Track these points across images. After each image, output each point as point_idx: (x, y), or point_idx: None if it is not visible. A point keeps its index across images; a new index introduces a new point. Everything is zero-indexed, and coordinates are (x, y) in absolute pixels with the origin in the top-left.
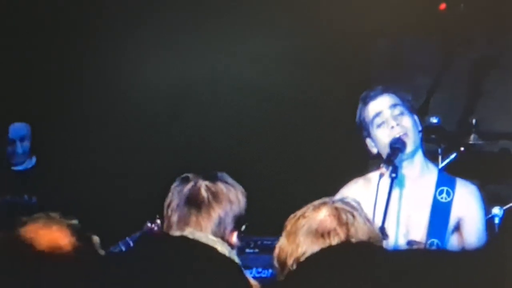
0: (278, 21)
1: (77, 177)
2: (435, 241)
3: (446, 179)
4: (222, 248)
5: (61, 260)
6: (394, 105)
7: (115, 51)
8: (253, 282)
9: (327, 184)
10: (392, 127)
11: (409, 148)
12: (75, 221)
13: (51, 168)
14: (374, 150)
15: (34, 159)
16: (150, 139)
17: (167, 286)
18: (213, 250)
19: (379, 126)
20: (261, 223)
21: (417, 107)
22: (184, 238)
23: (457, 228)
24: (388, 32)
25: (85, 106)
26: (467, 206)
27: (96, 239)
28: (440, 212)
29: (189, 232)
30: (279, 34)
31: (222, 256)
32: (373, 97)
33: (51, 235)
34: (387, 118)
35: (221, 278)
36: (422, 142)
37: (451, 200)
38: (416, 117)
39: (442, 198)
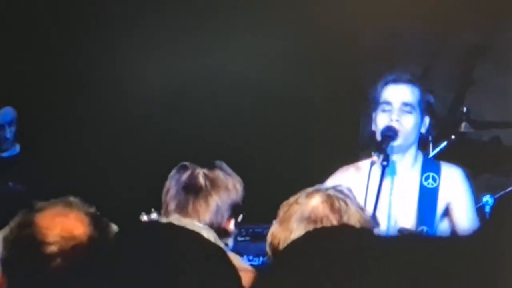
0: (278, 20)
1: (64, 165)
2: (425, 228)
3: (431, 164)
4: (208, 234)
5: (73, 252)
6: (406, 104)
7: (112, 45)
8: (246, 267)
9: (318, 173)
10: (392, 120)
11: (398, 142)
12: (94, 209)
13: (37, 156)
14: (373, 128)
15: (18, 147)
16: (144, 129)
17: (151, 273)
18: (198, 236)
19: (383, 111)
20: (253, 211)
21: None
22: (169, 225)
23: (447, 213)
24: (384, 24)
25: (75, 94)
26: (454, 189)
27: (113, 228)
28: (427, 199)
29: (175, 218)
30: (279, 33)
31: (208, 242)
32: (395, 81)
33: (67, 223)
34: (393, 110)
35: (206, 264)
36: (419, 141)
37: (438, 185)
38: (427, 119)
39: (428, 184)
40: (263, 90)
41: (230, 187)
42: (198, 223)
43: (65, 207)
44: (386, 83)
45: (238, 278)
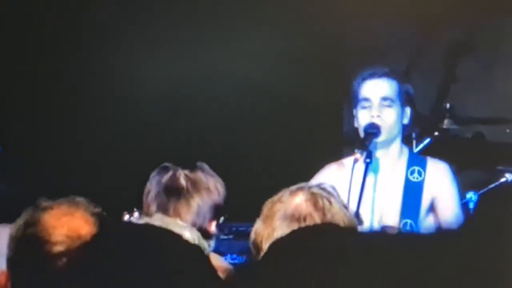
0: (278, 20)
1: (48, 165)
2: (409, 221)
3: (417, 158)
4: (191, 234)
5: (78, 252)
6: (385, 98)
7: (111, 44)
8: (226, 266)
9: (303, 171)
10: (373, 116)
11: (382, 137)
12: (99, 210)
13: (19, 156)
14: (356, 125)
15: None
16: (143, 129)
17: (130, 275)
18: (178, 237)
19: (363, 108)
20: (236, 210)
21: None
22: (148, 226)
23: (432, 208)
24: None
25: (67, 92)
26: (439, 184)
27: None
28: (412, 192)
29: (158, 218)
30: (279, 33)
31: (188, 243)
32: (371, 76)
33: (73, 222)
34: (372, 106)
35: (187, 265)
36: (403, 133)
37: (423, 179)
38: (408, 110)
39: (413, 178)
40: (259, 90)
41: (212, 188)
42: (181, 222)
43: (71, 207)
44: (363, 79)
45: (218, 278)
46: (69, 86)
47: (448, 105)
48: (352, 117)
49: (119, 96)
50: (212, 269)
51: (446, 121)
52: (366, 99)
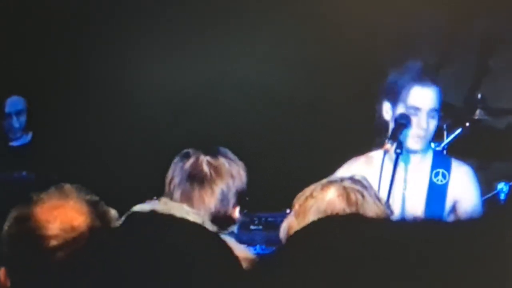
0: (283, 23)
1: (75, 153)
2: None
3: (441, 160)
4: (195, 219)
5: (74, 244)
6: (433, 110)
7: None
8: (249, 255)
9: (330, 162)
10: (419, 127)
11: (420, 146)
12: (92, 196)
13: (48, 144)
14: (387, 116)
15: (30, 135)
16: (152, 126)
17: (147, 265)
18: (200, 226)
19: (412, 115)
20: (265, 200)
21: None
22: (153, 213)
23: (453, 209)
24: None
25: (84, 85)
26: (463, 187)
27: (113, 213)
28: (436, 195)
29: (163, 202)
30: (283, 36)
31: (210, 232)
32: (422, 83)
33: (65, 215)
34: (421, 117)
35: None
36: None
37: (447, 182)
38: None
39: (438, 180)
40: (272, 93)
41: (235, 174)
42: (186, 207)
43: (61, 198)
44: (413, 81)
45: (240, 266)
46: (92, 83)
47: (480, 96)
48: (385, 111)
49: (137, 98)
50: (234, 258)
51: (478, 112)
52: (416, 108)
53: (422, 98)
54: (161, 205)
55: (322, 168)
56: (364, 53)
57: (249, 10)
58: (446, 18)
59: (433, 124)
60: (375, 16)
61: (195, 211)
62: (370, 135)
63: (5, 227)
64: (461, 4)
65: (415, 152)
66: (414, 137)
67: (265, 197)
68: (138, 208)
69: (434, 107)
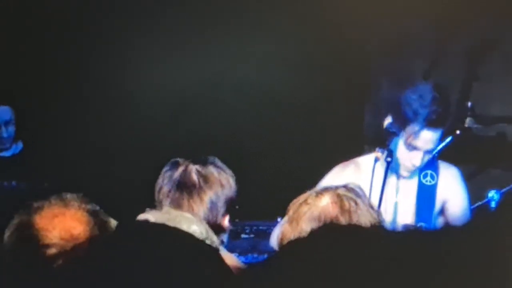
0: (283, 23)
1: (67, 162)
2: (423, 224)
3: (429, 162)
4: (198, 227)
5: (73, 252)
6: (431, 151)
7: (119, 48)
8: (239, 264)
9: (321, 171)
10: (411, 163)
11: (410, 175)
12: (93, 206)
13: (39, 153)
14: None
15: (20, 144)
16: (149, 130)
17: (144, 273)
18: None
19: (409, 146)
20: (257, 209)
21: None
22: (162, 226)
23: (442, 211)
24: (391, 21)
25: (78, 94)
26: (451, 188)
27: (112, 223)
28: (426, 196)
29: (166, 211)
30: (283, 37)
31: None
32: (434, 126)
33: (65, 224)
34: (417, 156)
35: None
36: None
37: (436, 183)
38: None
39: (427, 181)
40: (265, 92)
41: (224, 182)
42: (189, 215)
43: (62, 206)
44: (424, 123)
45: (231, 275)
46: (84, 89)
47: (470, 104)
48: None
49: (133, 100)
50: (222, 265)
51: (468, 120)
52: (416, 148)
53: (426, 141)
54: (165, 214)
55: (315, 176)
56: (364, 54)
57: (249, 10)
58: (435, 26)
59: (425, 159)
60: (370, 18)
61: (198, 219)
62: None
63: (6, 234)
64: (451, 12)
65: (404, 177)
66: (405, 170)
67: (256, 206)
68: (141, 217)
69: (431, 149)
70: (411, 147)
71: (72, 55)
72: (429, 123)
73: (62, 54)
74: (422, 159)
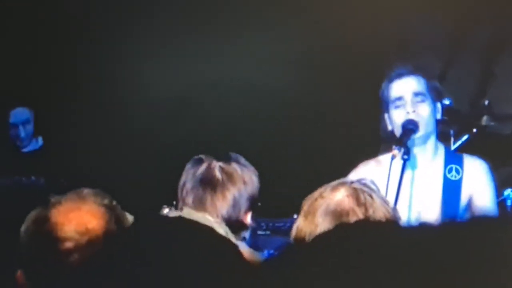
0: (285, 24)
1: (86, 158)
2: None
3: (454, 156)
4: (219, 229)
5: (89, 247)
6: (416, 94)
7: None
8: (259, 260)
9: (339, 168)
10: (408, 112)
11: (420, 132)
12: (109, 201)
13: (59, 148)
14: (390, 128)
15: (40, 140)
16: (161, 127)
17: (163, 267)
18: (211, 230)
19: (397, 107)
20: (273, 206)
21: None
22: (181, 219)
23: (469, 205)
24: (405, 17)
25: (93, 94)
26: (477, 181)
27: (129, 218)
28: (451, 191)
29: (187, 213)
30: (285, 37)
31: (220, 236)
32: (399, 76)
33: (81, 218)
34: (406, 103)
35: (219, 258)
36: (437, 129)
37: (461, 177)
38: (439, 105)
39: (451, 176)
40: (274, 94)
41: (247, 179)
42: (210, 217)
43: (78, 201)
44: (390, 81)
45: (250, 271)
46: (105, 89)
47: (486, 102)
48: (384, 121)
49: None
50: (244, 262)
51: (484, 118)
52: (399, 98)
53: (402, 86)
54: (185, 216)
55: (333, 173)
56: (368, 55)
57: (250, 10)
58: (451, 24)
59: (423, 108)
60: (378, 19)
61: (218, 221)
62: (377, 137)
63: (23, 229)
64: (466, 10)
65: (418, 143)
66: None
67: (272, 203)
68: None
69: (417, 91)
70: (397, 101)
71: (91, 56)
72: (394, 75)
73: (81, 56)
74: (414, 104)
